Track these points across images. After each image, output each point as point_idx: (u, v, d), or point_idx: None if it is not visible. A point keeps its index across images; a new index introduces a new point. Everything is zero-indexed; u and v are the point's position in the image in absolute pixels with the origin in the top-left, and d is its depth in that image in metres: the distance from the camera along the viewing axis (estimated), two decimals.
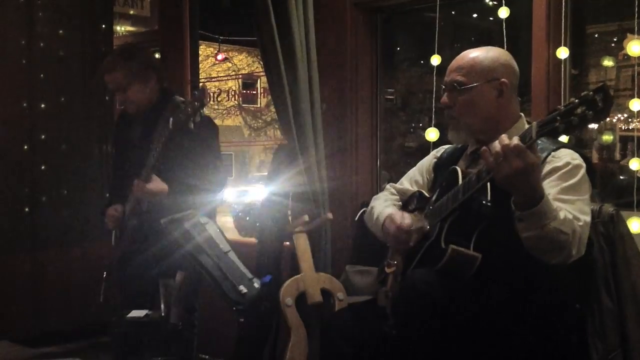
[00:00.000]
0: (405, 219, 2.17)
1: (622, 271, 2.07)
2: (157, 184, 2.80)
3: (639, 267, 2.10)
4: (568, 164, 1.97)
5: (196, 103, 2.70)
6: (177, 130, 2.70)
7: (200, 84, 4.34)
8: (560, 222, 1.81)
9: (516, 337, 1.96)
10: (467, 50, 2.19)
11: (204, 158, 2.90)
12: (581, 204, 1.92)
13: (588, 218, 1.91)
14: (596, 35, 4.17)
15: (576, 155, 2.01)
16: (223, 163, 3.03)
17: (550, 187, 1.91)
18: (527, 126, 2.13)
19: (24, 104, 4.30)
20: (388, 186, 2.52)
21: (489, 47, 2.20)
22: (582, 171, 1.98)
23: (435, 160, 2.39)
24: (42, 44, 4.31)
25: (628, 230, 2.15)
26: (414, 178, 2.44)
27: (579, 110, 1.66)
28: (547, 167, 1.95)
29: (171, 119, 2.70)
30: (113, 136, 3.27)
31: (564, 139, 2.24)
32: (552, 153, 1.99)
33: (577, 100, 1.67)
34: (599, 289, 2.08)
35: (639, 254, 2.12)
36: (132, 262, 2.90)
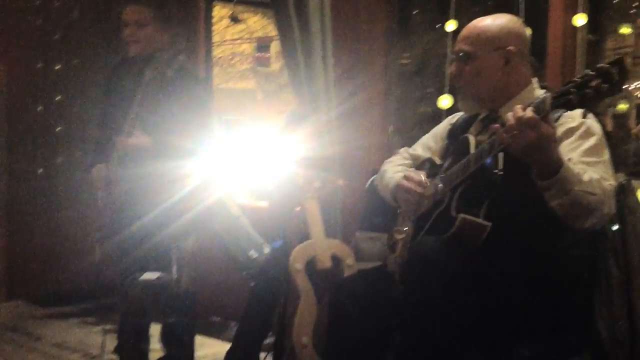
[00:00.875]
0: (421, 175, 2.18)
1: (631, 242, 2.06)
2: (139, 138, 2.77)
3: None
4: (582, 123, 1.95)
5: (175, 47, 2.68)
6: (156, 77, 2.69)
7: None
8: (586, 185, 1.80)
9: (523, 306, 1.97)
10: (477, 19, 2.17)
11: (189, 114, 2.82)
12: (603, 165, 1.91)
13: (614, 181, 1.91)
14: (615, 1, 4.07)
15: (591, 115, 1.97)
16: (212, 126, 2.96)
17: (570, 151, 1.89)
18: (537, 90, 2.12)
19: (39, 65, 4.31)
20: (401, 150, 2.51)
21: (499, 15, 2.17)
22: (598, 131, 1.96)
23: (449, 126, 2.38)
24: (57, 4, 4.31)
25: (638, 200, 2.14)
26: (427, 144, 2.43)
27: (594, 83, 1.64)
28: (561, 129, 1.93)
29: (149, 67, 2.71)
30: (104, 89, 3.15)
31: None
32: (564, 113, 1.96)
33: (592, 72, 1.65)
34: (607, 259, 2.07)
35: None
36: (130, 225, 2.83)
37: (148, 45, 2.88)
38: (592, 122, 1.96)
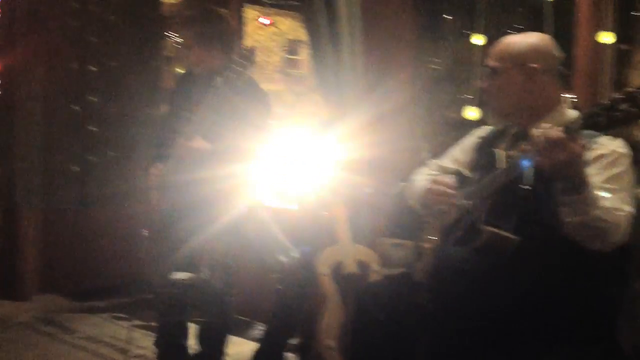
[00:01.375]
0: (449, 181, 2.23)
1: None
2: (199, 142, 2.85)
3: None
4: (614, 151, 1.99)
5: (244, 62, 2.76)
6: (225, 88, 2.75)
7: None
8: (603, 211, 1.84)
9: (548, 318, 2.00)
10: (507, 37, 2.22)
11: (251, 126, 2.90)
12: (624, 194, 1.95)
13: (630, 209, 1.94)
14: None
15: (622, 143, 2.02)
16: (270, 135, 3.05)
17: (595, 175, 1.92)
18: (568, 111, 2.15)
19: (76, 67, 4.42)
20: (429, 163, 2.55)
21: (529, 33, 2.23)
22: (628, 160, 2.00)
23: (479, 140, 2.41)
24: (93, 9, 4.42)
25: None
26: (455, 156, 2.46)
27: (623, 106, 1.68)
28: (592, 154, 1.96)
29: (219, 77, 2.76)
30: (170, 94, 3.29)
31: None
32: (596, 139, 1.99)
33: (621, 96, 1.69)
34: (630, 272, 2.11)
35: None
36: (177, 224, 2.95)
37: (198, 64, 2.98)
38: (621, 149, 2.00)
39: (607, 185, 1.93)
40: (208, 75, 2.91)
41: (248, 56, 2.77)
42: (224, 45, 2.98)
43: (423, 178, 2.42)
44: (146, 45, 4.62)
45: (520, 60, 2.14)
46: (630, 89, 1.69)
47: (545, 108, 2.14)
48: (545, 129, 1.81)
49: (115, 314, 4.07)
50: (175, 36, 3.72)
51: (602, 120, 1.71)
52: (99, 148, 4.52)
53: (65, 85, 4.41)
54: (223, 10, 3.14)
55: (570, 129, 1.78)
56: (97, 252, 4.40)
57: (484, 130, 2.42)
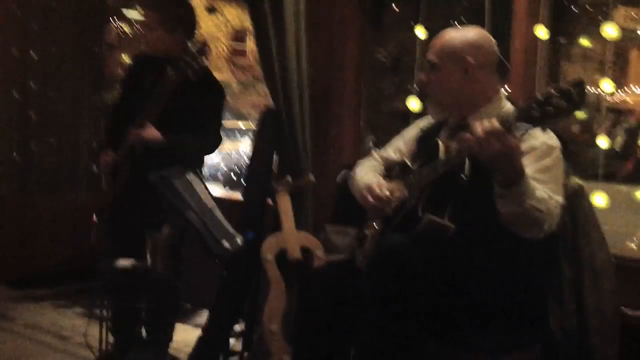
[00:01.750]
0: (384, 189, 2.27)
1: (581, 243, 2.20)
2: (151, 132, 2.85)
3: (597, 239, 2.23)
4: (544, 143, 2.07)
5: (196, 53, 2.76)
6: (177, 78, 2.76)
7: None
8: (537, 201, 1.92)
9: (481, 301, 2.07)
10: (446, 30, 2.28)
11: (203, 117, 2.94)
12: (554, 185, 2.03)
13: (560, 199, 2.03)
14: (586, 6, 4.20)
15: (553, 135, 2.10)
16: (221, 127, 3.08)
17: (527, 166, 1.99)
18: (505, 103, 2.23)
19: (16, 53, 4.34)
20: (372, 152, 2.61)
21: (467, 28, 2.30)
22: (558, 152, 2.08)
23: (419, 130, 2.47)
24: None
25: (590, 203, 2.28)
26: (398, 147, 2.51)
27: (555, 101, 1.76)
28: (524, 146, 2.02)
29: (173, 66, 2.77)
30: (124, 79, 3.27)
31: None
32: (529, 131, 2.05)
33: (554, 91, 1.77)
34: (560, 259, 2.21)
35: (597, 226, 2.25)
36: (125, 210, 2.98)
37: (159, 48, 2.98)
38: (552, 141, 2.08)
39: (539, 176, 2.00)
40: (164, 61, 2.90)
41: (201, 48, 2.78)
42: (186, 30, 2.99)
43: (364, 171, 2.47)
44: (89, 32, 4.55)
45: (458, 54, 2.20)
46: (562, 86, 1.77)
47: (482, 101, 2.21)
48: (483, 121, 1.87)
49: (56, 302, 4.03)
50: (117, 21, 3.65)
51: (536, 114, 1.79)
52: (40, 135, 4.45)
53: (5, 72, 4.32)
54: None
55: (506, 122, 1.85)
56: (38, 239, 4.34)
57: (426, 121, 2.48)
